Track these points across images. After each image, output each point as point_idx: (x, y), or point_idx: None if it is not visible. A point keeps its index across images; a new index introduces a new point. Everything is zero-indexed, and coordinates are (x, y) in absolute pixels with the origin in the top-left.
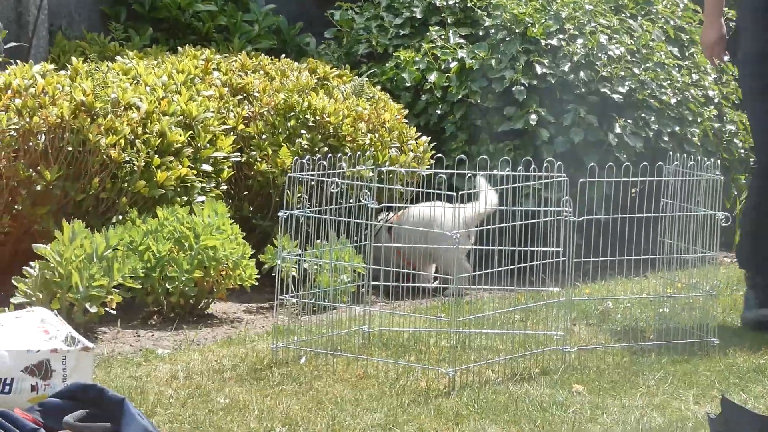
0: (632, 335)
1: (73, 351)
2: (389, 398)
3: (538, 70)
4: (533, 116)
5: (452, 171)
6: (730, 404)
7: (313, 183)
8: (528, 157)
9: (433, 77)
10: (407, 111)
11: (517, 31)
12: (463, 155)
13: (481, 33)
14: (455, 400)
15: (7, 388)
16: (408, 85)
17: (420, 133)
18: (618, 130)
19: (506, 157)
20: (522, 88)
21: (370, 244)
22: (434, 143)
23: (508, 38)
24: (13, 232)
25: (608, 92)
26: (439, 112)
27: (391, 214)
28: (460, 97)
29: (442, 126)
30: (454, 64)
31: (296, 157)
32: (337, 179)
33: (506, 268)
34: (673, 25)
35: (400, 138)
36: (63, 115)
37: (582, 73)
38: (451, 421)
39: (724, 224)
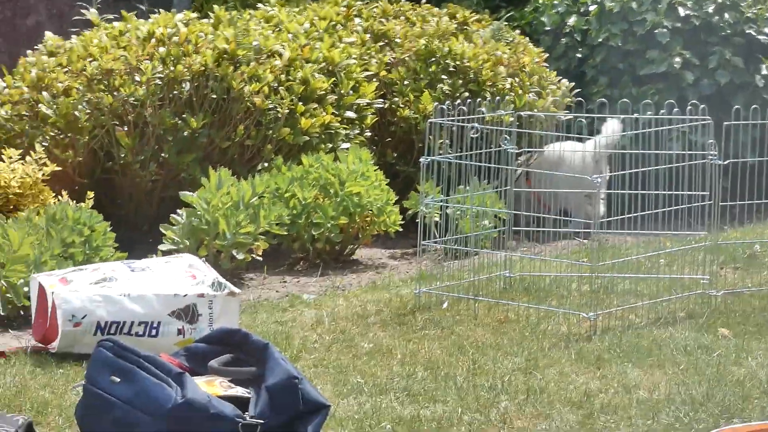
0: None
1: (220, 296)
2: (530, 342)
3: (681, 12)
4: (677, 59)
5: (592, 115)
6: None
7: (454, 129)
8: (671, 100)
9: (572, 20)
10: (547, 55)
11: None
12: (604, 99)
13: None
14: (597, 344)
15: (154, 331)
16: (547, 28)
17: (560, 77)
18: (765, 71)
19: (648, 101)
20: (665, 30)
21: (511, 188)
22: (575, 87)
23: None
24: (160, 180)
25: (754, 33)
26: (579, 55)
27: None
28: (600, 40)
29: (582, 70)
30: (594, 7)
31: (437, 103)
32: (476, 124)
33: (651, 212)
34: None
35: (540, 82)
36: (207, 63)
37: (726, 15)
38: (592, 365)
39: None
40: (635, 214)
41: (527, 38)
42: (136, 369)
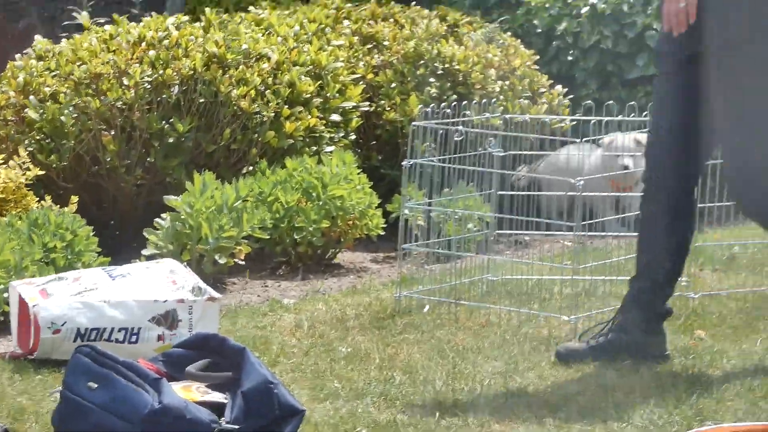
0: (757, 280)
1: (200, 301)
2: (511, 346)
3: None
4: None
5: (580, 118)
6: None
7: (439, 132)
8: None
9: (564, 23)
10: (538, 57)
11: None
12: (591, 102)
13: None
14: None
15: (134, 338)
16: (539, 30)
17: (552, 81)
18: None
19: (634, 103)
20: (655, 32)
21: (496, 192)
22: (565, 89)
23: None
24: (145, 184)
25: None
26: (570, 58)
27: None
28: (591, 43)
29: (573, 72)
30: (585, 9)
31: (421, 106)
32: (461, 127)
33: (633, 213)
34: None
35: (532, 86)
36: (196, 67)
37: None
38: (572, 368)
39: None
40: (618, 216)
41: (519, 41)
42: (113, 375)
